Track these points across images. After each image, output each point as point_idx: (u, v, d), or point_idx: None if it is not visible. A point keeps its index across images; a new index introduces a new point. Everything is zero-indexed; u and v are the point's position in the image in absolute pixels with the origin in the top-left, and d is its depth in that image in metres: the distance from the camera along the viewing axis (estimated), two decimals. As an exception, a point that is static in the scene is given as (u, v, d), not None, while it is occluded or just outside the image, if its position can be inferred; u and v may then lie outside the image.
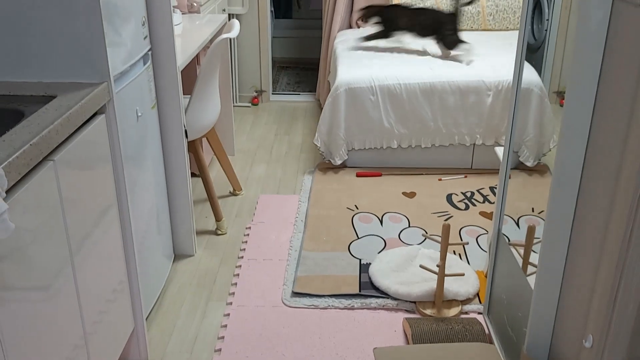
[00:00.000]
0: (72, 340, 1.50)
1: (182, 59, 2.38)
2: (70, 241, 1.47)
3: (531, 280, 1.62)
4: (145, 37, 2.05)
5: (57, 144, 1.38)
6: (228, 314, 2.22)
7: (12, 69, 1.62)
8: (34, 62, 1.62)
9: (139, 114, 1.98)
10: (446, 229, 2.09)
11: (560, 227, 1.47)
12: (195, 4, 3.15)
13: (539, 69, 4.19)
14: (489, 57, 3.38)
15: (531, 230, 2.07)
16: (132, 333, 1.92)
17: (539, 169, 3.21)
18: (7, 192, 1.11)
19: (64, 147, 1.42)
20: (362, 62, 3.38)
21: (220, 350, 2.04)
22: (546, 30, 4.15)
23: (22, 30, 1.59)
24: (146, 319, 2.05)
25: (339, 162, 3.25)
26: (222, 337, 2.10)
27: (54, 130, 1.35)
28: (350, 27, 4.23)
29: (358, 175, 3.24)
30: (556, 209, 1.47)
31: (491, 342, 1.98)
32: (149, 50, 2.11)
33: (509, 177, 2.06)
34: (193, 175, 2.87)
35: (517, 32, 1.94)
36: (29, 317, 1.28)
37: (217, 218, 2.76)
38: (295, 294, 2.31)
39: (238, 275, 2.45)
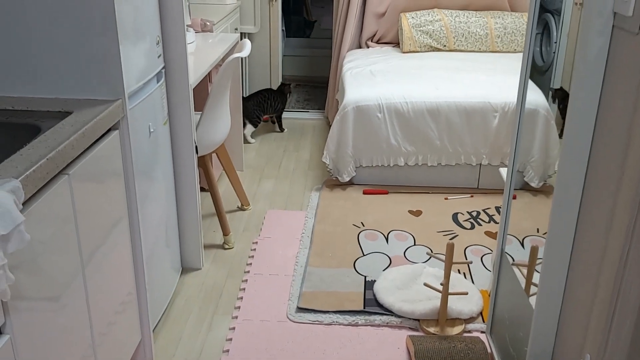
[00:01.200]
0: (81, 350, 1.54)
1: (194, 76, 2.44)
2: (82, 253, 1.51)
3: (533, 300, 1.64)
4: (159, 56, 2.11)
5: (72, 158, 1.43)
6: (233, 328, 2.25)
7: (30, 85, 1.68)
8: (52, 78, 1.68)
9: (152, 130, 2.04)
10: (450, 248, 2.12)
11: (561, 247, 1.50)
12: (208, 23, 3.22)
13: (546, 91, 4.22)
14: (496, 79, 3.42)
15: (534, 250, 2.09)
16: (139, 344, 1.95)
17: (545, 190, 3.23)
18: (23, 204, 1.16)
19: (79, 162, 1.47)
20: (370, 81, 3.43)
21: (225, 363, 2.08)
22: (554, 52, 4.19)
23: (41, 48, 1.65)
24: (153, 331, 2.09)
25: (346, 179, 3.29)
26: (227, 351, 2.13)
27: (70, 145, 1.40)
28: (359, 46, 4.30)
29: (365, 193, 3.28)
30: (557, 230, 1.50)
31: (493, 361, 1.99)
32: (162, 68, 2.17)
33: (515, 198, 2.09)
34: (202, 189, 2.92)
35: (523, 55, 1.99)
36: (41, 326, 1.32)
37: (225, 232, 2.80)
38: (300, 310, 2.34)
39: (244, 289, 2.48)
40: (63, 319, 1.42)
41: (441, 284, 2.17)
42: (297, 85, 5.25)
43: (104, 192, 1.66)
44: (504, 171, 2.21)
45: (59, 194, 1.38)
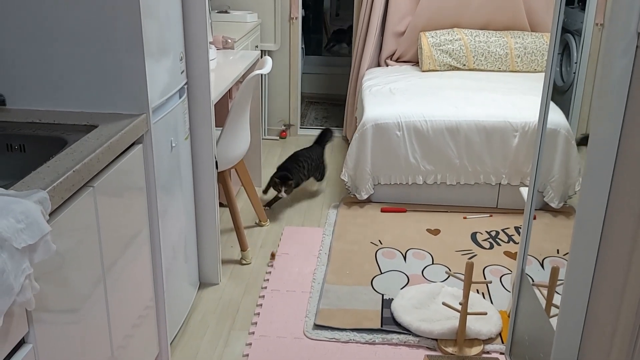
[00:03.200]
0: (100, 361, 1.55)
1: (215, 93, 2.47)
2: (104, 265, 1.52)
3: (554, 321, 1.62)
4: (182, 72, 2.14)
5: (97, 171, 1.45)
6: (250, 344, 2.25)
7: (56, 99, 1.72)
8: (78, 92, 1.71)
9: (173, 145, 2.06)
10: (469, 267, 2.10)
11: (583, 269, 1.48)
12: (229, 41, 3.27)
13: (566, 111, 4.19)
14: (516, 98, 3.42)
15: (555, 271, 2.07)
16: (157, 358, 1.96)
17: (565, 211, 3.20)
18: (49, 215, 1.18)
19: (104, 174, 1.49)
20: (389, 99, 3.44)
21: (241, 379, 2.07)
22: (574, 73, 4.17)
23: (68, 63, 1.69)
24: (170, 344, 2.09)
25: (364, 197, 3.29)
26: (244, 367, 2.13)
27: (95, 158, 1.42)
28: (379, 65, 4.32)
29: (383, 211, 3.27)
30: (579, 251, 1.48)
31: (513, 384, 1.96)
32: (185, 84, 2.20)
33: (534, 218, 2.07)
34: (220, 205, 2.93)
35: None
36: (62, 337, 1.33)
37: (243, 248, 2.81)
38: (317, 327, 2.33)
39: (261, 305, 2.48)
40: (84, 330, 1.43)
41: (460, 304, 2.15)
42: (315, 103, 5.28)
43: (127, 205, 1.68)
44: (524, 191, 2.20)
45: (84, 206, 1.40)
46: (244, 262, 2.81)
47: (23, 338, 1.17)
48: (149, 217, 1.83)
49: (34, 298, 1.11)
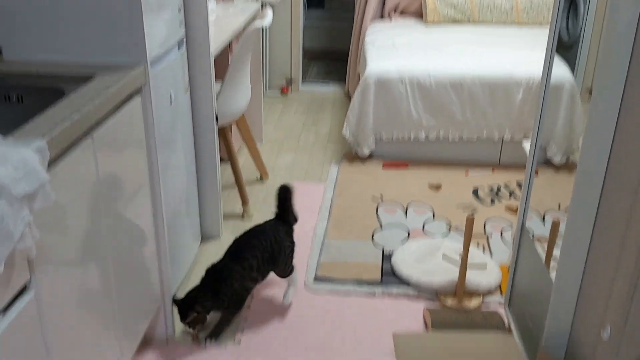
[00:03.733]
0: (103, 312, 1.57)
1: (215, 46, 2.43)
2: (105, 217, 1.53)
3: (553, 275, 1.63)
4: (180, 24, 2.10)
5: (96, 121, 1.44)
6: (253, 296, 2.27)
7: (54, 49, 1.69)
8: (74, 42, 1.68)
9: (173, 98, 2.04)
10: (470, 221, 2.11)
11: (583, 220, 1.48)
12: (229, -8, 3.20)
13: (572, 66, 4.14)
14: (521, 53, 3.36)
15: (555, 225, 2.07)
16: (159, 310, 1.98)
17: (568, 166, 3.19)
18: (48, 165, 1.17)
19: (103, 126, 1.48)
20: (392, 54, 3.39)
21: (242, 330, 2.10)
22: (581, 27, 4.09)
23: (63, 12, 1.65)
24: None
25: (366, 153, 3.28)
26: (245, 318, 2.16)
27: (94, 108, 1.41)
28: (382, 17, 4.24)
29: (384, 166, 3.27)
30: (580, 201, 1.48)
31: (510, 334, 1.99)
32: (183, 37, 2.16)
33: (537, 173, 2.05)
34: (221, 160, 2.93)
35: (549, 26, 1.94)
36: (65, 288, 1.34)
37: (244, 202, 2.82)
38: (318, 279, 2.36)
39: (263, 259, 2.50)
40: (86, 281, 1.45)
41: (460, 256, 2.16)
42: (317, 58, 5.20)
43: (127, 158, 1.67)
44: (527, 144, 2.18)
45: (83, 157, 1.39)
46: (245, 216, 2.82)
47: (25, 285, 1.17)
48: (149, 171, 1.82)
49: (34, 246, 1.11)
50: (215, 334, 2.05)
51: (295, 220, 2.24)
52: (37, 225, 1.13)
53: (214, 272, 2.04)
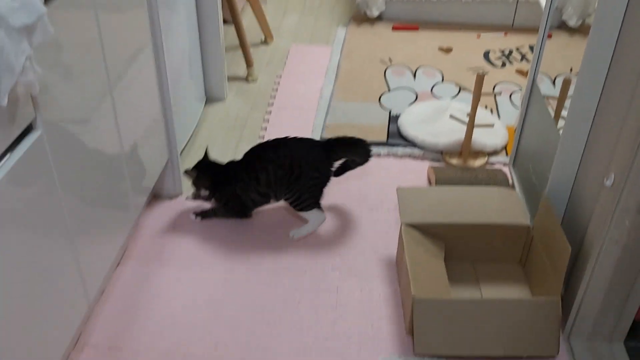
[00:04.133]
0: (115, 167, 1.59)
1: None
2: (109, 77, 1.50)
3: (562, 132, 1.61)
4: None
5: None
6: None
7: None
8: None
9: (171, -56, 1.92)
10: (480, 78, 2.06)
11: (596, 69, 1.44)
12: None
13: None
14: None
15: (566, 83, 2.03)
16: (167, 164, 2.01)
17: (582, 30, 3.07)
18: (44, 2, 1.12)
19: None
20: None
21: (250, 186, 2.14)
22: None
23: None
24: (180, 155, 2.13)
25: (375, 14, 3.15)
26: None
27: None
28: None
29: (394, 29, 3.16)
30: (594, 51, 1.43)
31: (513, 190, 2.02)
32: None
33: (550, 37, 1.97)
34: (225, 22, 2.83)
35: None
36: (72, 132, 1.34)
37: (248, 64, 2.76)
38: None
39: (268, 121, 2.49)
40: (93, 130, 1.45)
41: (467, 115, 2.15)
42: None
43: (128, 17, 1.61)
44: (544, 1, 2.08)
45: (82, 14, 1.33)
46: (250, 79, 2.77)
47: (31, 124, 1.17)
48: (151, 31, 1.76)
49: (37, 82, 1.09)
50: (203, 215, 1.96)
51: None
52: (38, 63, 1.10)
53: (226, 167, 1.91)
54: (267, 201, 1.90)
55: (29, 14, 1.03)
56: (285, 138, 1.88)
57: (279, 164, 1.79)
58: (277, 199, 1.88)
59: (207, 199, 1.95)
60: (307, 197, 1.84)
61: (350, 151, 1.88)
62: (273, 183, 1.82)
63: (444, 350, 1.51)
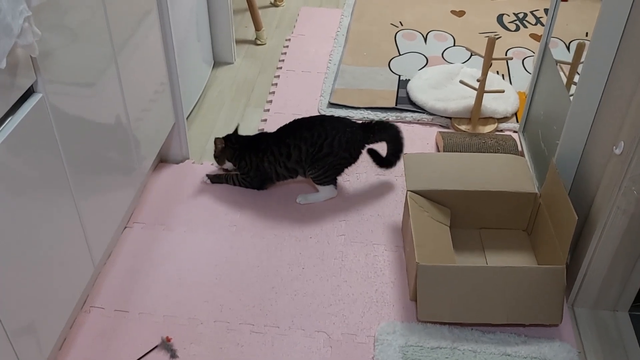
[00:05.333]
0: (119, 131, 1.58)
1: None
2: (113, 42, 1.48)
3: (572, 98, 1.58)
4: None
5: None
6: (265, 120, 2.28)
7: None
8: None
9: None
10: (491, 43, 2.01)
11: (610, 34, 1.40)
12: None
13: None
14: None
15: (580, 48, 1.98)
16: (174, 128, 2.00)
17: (601, -8, 2.98)
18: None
19: None
20: None
21: (257, 151, 2.13)
22: None
23: None
24: (187, 119, 2.13)
25: (385, -24, 3.08)
26: (259, 140, 2.18)
27: None
28: None
29: (405, -9, 3.09)
30: (607, 15, 1.38)
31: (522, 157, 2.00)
32: None
33: (567, 1, 1.92)
34: (233, -18, 2.78)
35: None
36: (74, 95, 1.33)
37: (257, 27, 2.72)
38: (332, 105, 2.33)
39: (276, 84, 2.47)
40: (96, 94, 1.44)
41: (478, 81, 2.11)
42: None
43: None
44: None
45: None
46: (258, 42, 2.73)
47: (32, 87, 1.16)
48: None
49: (36, 44, 1.08)
50: (214, 179, 1.97)
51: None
52: (38, 25, 1.08)
53: (257, 138, 1.91)
54: (294, 177, 1.89)
55: (26, -26, 1.01)
56: (322, 117, 1.88)
57: (312, 143, 1.79)
58: (305, 176, 1.88)
59: (228, 170, 1.97)
60: (330, 174, 1.86)
61: (387, 136, 1.89)
62: (303, 161, 1.82)
63: (447, 317, 1.51)
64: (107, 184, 1.55)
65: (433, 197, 1.70)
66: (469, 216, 1.74)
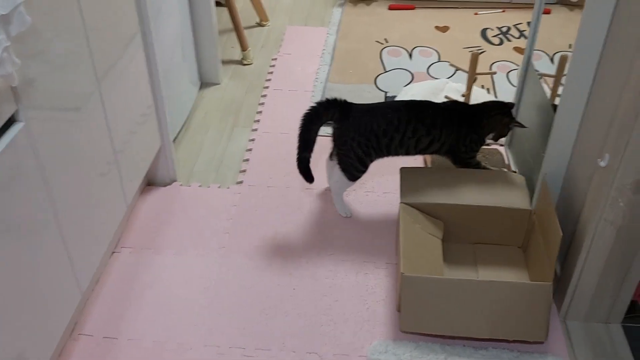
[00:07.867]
0: (104, 156, 1.57)
1: None
2: (96, 68, 1.47)
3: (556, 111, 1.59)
4: None
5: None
6: (253, 139, 2.27)
7: None
8: None
9: None
10: (474, 58, 2.03)
11: (591, 46, 1.41)
12: None
13: None
14: None
15: (563, 60, 2.00)
16: (160, 151, 1.99)
17: (582, 4, 3.01)
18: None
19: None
20: None
21: (245, 171, 2.13)
22: None
23: None
24: (174, 141, 2.12)
25: (370, -7, 3.10)
26: (247, 160, 2.17)
27: None
28: None
29: (390, 8, 3.11)
30: (588, 28, 1.40)
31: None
32: None
33: (549, 12, 1.94)
34: (217, 4, 2.79)
35: None
36: (57, 123, 1.32)
37: (243, 48, 2.73)
38: (319, 123, 2.33)
39: (263, 104, 2.47)
40: (79, 120, 1.43)
41: (462, 96, 2.12)
42: None
43: (114, 4, 1.58)
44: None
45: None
46: (245, 62, 2.74)
47: (13, 116, 1.16)
48: (139, 17, 1.72)
49: (15, 74, 1.07)
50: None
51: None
52: (18, 54, 1.08)
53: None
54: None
55: (4, 5, 1.01)
56: (421, 103, 1.86)
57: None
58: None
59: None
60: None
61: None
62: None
63: (429, 328, 1.50)
64: (92, 210, 1.54)
65: (426, 210, 1.69)
66: (464, 231, 1.73)
